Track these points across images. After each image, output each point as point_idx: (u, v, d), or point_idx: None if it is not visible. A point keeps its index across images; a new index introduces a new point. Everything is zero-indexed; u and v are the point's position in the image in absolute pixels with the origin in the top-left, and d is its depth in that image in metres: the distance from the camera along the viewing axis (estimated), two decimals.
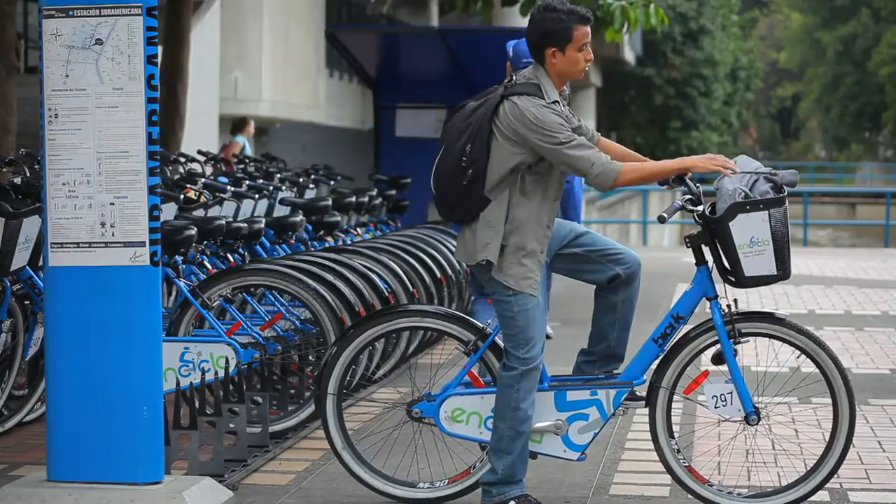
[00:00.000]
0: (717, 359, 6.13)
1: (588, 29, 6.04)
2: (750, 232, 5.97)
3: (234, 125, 19.51)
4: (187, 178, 10.49)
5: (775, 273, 6.03)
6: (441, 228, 11.37)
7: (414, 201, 13.38)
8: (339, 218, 10.64)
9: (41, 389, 7.68)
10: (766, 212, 5.96)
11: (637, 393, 6.22)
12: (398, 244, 9.91)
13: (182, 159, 12.16)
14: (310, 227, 10.36)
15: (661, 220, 6.12)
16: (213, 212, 9.75)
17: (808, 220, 26.98)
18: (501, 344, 6.18)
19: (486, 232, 6.02)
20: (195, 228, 7.96)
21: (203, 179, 10.43)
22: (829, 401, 6.13)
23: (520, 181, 6.02)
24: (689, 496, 6.23)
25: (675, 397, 6.20)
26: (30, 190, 7.97)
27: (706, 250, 6.12)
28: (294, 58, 24.82)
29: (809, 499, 6.23)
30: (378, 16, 31.55)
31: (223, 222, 8.49)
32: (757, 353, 8.49)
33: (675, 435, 6.24)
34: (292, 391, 7.90)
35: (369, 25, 28.54)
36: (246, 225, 8.85)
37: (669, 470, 6.20)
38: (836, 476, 6.65)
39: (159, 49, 6.17)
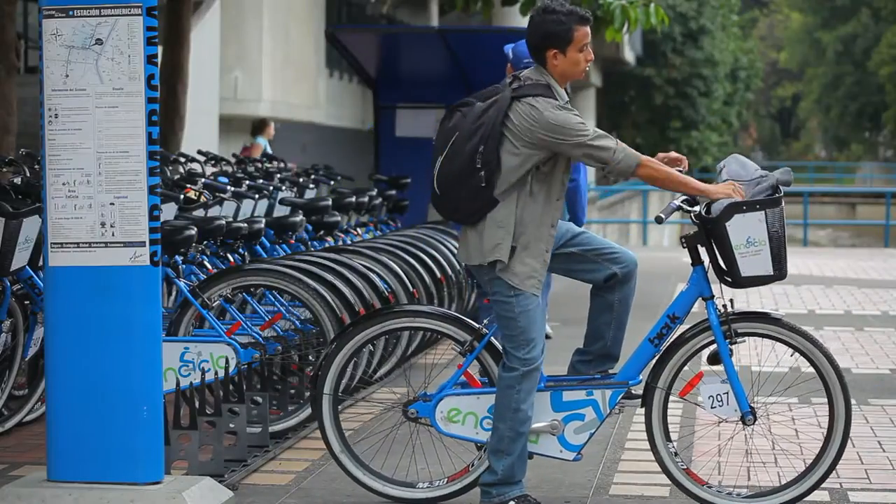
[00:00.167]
0: (713, 359, 6.13)
1: (588, 29, 6.05)
2: (746, 232, 5.98)
3: (254, 127, 19.52)
4: (187, 178, 10.49)
5: (771, 273, 6.03)
6: (441, 228, 11.37)
7: (414, 201, 13.38)
8: (339, 218, 10.64)
9: (41, 389, 7.68)
10: (763, 212, 5.97)
11: (633, 391, 6.22)
12: (398, 244, 9.90)
13: (182, 159, 12.16)
14: (310, 227, 10.35)
15: (659, 220, 6.13)
16: (213, 212, 9.74)
17: (808, 220, 26.98)
18: (497, 344, 6.18)
19: (497, 233, 6.01)
20: (195, 228, 7.96)
21: (203, 179, 10.43)
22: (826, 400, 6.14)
23: (528, 181, 6.02)
24: (689, 498, 6.24)
25: (674, 399, 6.20)
26: (30, 190, 7.97)
27: (702, 250, 6.12)
28: (294, 58, 24.82)
29: (810, 498, 6.23)
30: (378, 16, 31.55)
31: (223, 222, 8.49)
32: (758, 353, 8.49)
33: (673, 438, 6.24)
34: (292, 391, 7.90)
35: (369, 25, 28.54)
36: (246, 225, 8.85)
37: (667, 473, 6.20)
38: (836, 476, 6.67)
39: (159, 49, 6.17)
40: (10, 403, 7.83)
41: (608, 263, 6.23)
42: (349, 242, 10.46)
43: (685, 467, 6.20)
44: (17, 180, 8.14)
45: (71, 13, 5.99)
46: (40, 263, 7.36)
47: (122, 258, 6.03)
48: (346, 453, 6.38)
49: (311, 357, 7.84)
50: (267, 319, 7.89)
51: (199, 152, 12.95)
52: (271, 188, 11.12)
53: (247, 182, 11.04)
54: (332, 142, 27.11)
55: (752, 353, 7.72)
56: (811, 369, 6.17)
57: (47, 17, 6.01)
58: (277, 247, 9.69)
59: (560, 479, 6.79)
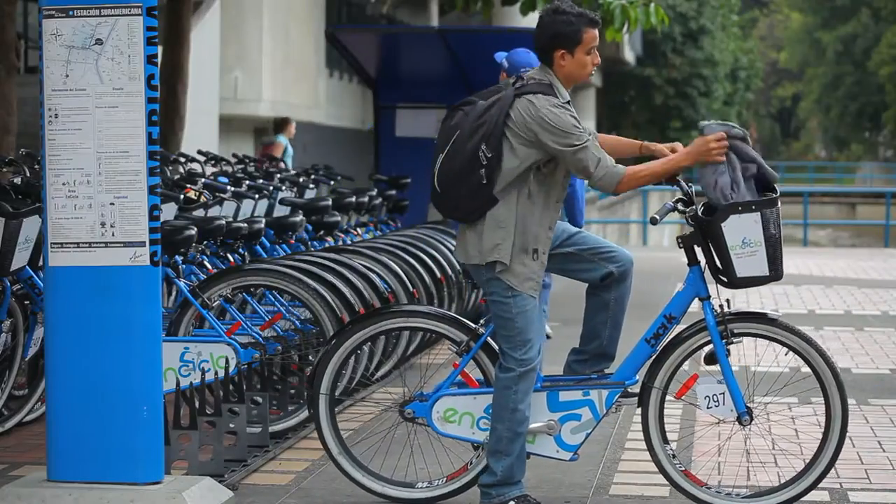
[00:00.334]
0: (710, 359, 6.13)
1: (596, 32, 6.06)
2: (742, 233, 5.98)
3: (275, 125, 19.53)
4: (187, 178, 10.49)
5: (767, 274, 6.03)
6: (441, 228, 11.37)
7: (414, 201, 13.38)
8: (339, 218, 10.64)
9: (41, 389, 7.68)
10: (759, 213, 5.97)
11: (630, 390, 6.22)
12: (398, 244, 9.90)
13: (182, 159, 12.17)
14: (310, 227, 10.36)
15: (653, 221, 6.13)
16: (213, 212, 9.75)
17: (808, 220, 26.98)
18: (494, 344, 6.18)
19: (497, 233, 6.01)
20: (195, 228, 7.96)
21: (203, 179, 10.43)
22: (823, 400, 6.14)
23: (528, 182, 6.02)
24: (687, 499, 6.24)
25: (673, 400, 6.20)
26: (30, 190, 7.97)
27: (699, 251, 6.12)
28: (294, 58, 24.83)
29: (810, 498, 6.23)
30: (378, 16, 31.56)
31: (223, 222, 8.49)
32: (758, 354, 8.49)
33: (672, 439, 6.24)
34: (292, 391, 7.90)
35: (369, 25, 28.54)
36: (246, 225, 8.85)
37: (665, 474, 6.19)
38: (836, 476, 6.68)
39: (159, 49, 6.17)
40: (10, 403, 7.83)
41: (604, 262, 6.24)
42: (349, 242, 10.46)
43: (683, 469, 6.19)
44: (17, 180, 8.14)
45: (71, 13, 5.99)
46: (40, 263, 7.37)
47: (122, 258, 6.02)
48: (344, 455, 6.38)
49: (311, 357, 7.84)
50: (267, 319, 7.89)
51: (199, 152, 12.96)
52: (271, 188, 11.12)
53: (247, 182, 11.04)
54: (332, 142, 27.11)
55: (751, 354, 7.72)
56: (808, 369, 6.17)
57: (47, 17, 6.01)
58: (277, 247, 9.69)
59: (560, 479, 6.79)
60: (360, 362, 7.95)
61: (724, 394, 6.09)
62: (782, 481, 6.37)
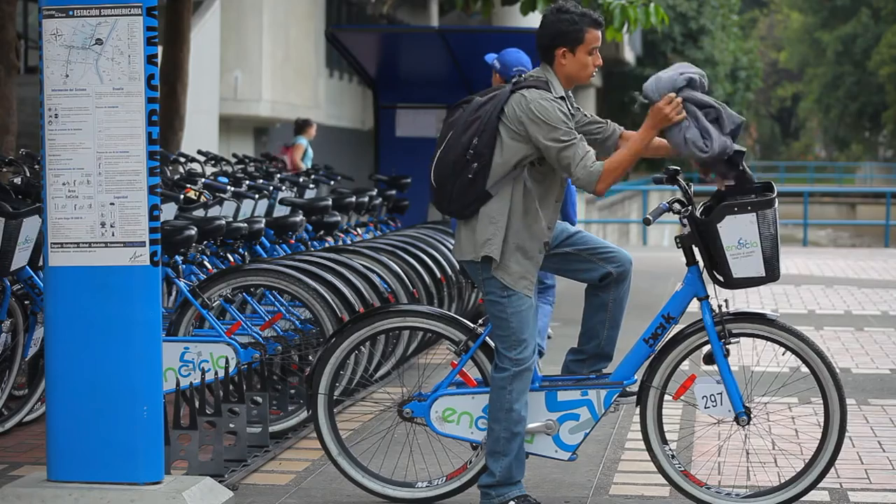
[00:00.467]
0: (709, 359, 6.13)
1: (599, 34, 6.07)
2: (738, 233, 5.98)
3: (297, 127, 19.52)
4: (187, 178, 10.49)
5: (763, 275, 6.03)
6: (441, 228, 11.37)
7: (414, 201, 13.38)
8: (339, 218, 10.65)
9: (41, 389, 7.68)
10: (755, 213, 5.96)
11: (628, 390, 6.22)
12: (398, 244, 9.91)
13: (182, 159, 12.17)
14: (310, 227, 10.36)
15: (647, 222, 6.15)
16: (213, 212, 9.75)
17: (808, 220, 26.99)
18: (492, 344, 6.18)
19: (488, 228, 6.02)
20: (195, 228, 7.97)
21: (203, 179, 10.44)
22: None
23: (523, 179, 6.02)
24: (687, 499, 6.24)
25: (672, 400, 6.20)
26: (30, 190, 7.97)
27: (697, 250, 6.12)
28: (294, 58, 24.83)
29: (810, 498, 6.23)
30: (378, 16, 31.56)
31: (223, 222, 8.50)
32: (757, 354, 8.50)
33: (671, 439, 6.23)
34: (292, 391, 7.90)
35: (369, 25, 28.55)
36: (246, 225, 8.85)
37: (664, 474, 6.19)
38: (836, 476, 6.68)
39: (159, 49, 6.17)
40: (10, 403, 7.83)
41: (603, 263, 6.24)
42: (349, 242, 10.46)
43: (682, 469, 6.19)
44: (17, 180, 8.14)
45: (71, 13, 5.99)
46: (40, 263, 7.37)
47: (122, 258, 6.03)
48: (343, 455, 6.38)
49: (310, 357, 7.84)
50: (267, 319, 7.89)
51: (199, 152, 12.97)
52: (271, 188, 11.12)
53: (247, 182, 11.04)
54: (332, 142, 27.13)
55: (751, 354, 7.72)
56: (807, 369, 6.17)
57: (47, 17, 6.01)
58: (277, 247, 9.69)
59: (560, 479, 6.79)
60: (359, 362, 7.95)
61: (721, 394, 6.09)
62: (782, 481, 6.37)
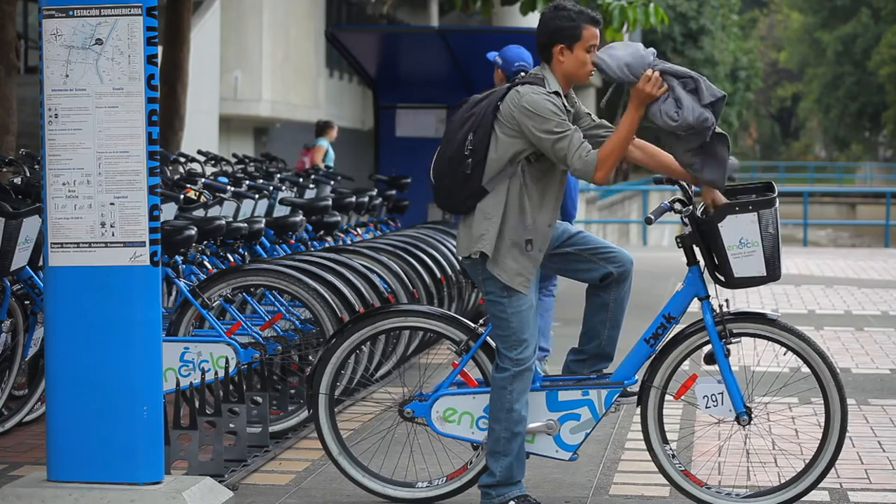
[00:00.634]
0: (710, 359, 6.13)
1: (597, 31, 6.07)
2: (739, 233, 5.98)
3: (318, 128, 19.54)
4: (187, 178, 10.49)
5: (764, 274, 6.03)
6: (441, 228, 11.37)
7: (414, 201, 13.38)
8: (339, 218, 10.65)
9: (41, 389, 7.68)
10: (756, 213, 5.97)
11: (629, 390, 6.22)
12: (398, 244, 9.91)
13: (182, 159, 12.17)
14: (310, 227, 10.36)
15: (648, 221, 6.15)
16: (213, 212, 9.75)
17: (808, 220, 26.99)
18: (493, 344, 6.18)
19: (482, 224, 6.02)
20: (195, 228, 7.97)
21: (203, 179, 10.44)
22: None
23: (521, 176, 6.02)
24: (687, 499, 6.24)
25: (673, 400, 6.20)
26: (30, 190, 7.97)
27: (697, 250, 6.12)
28: (294, 58, 24.83)
29: (810, 498, 6.23)
30: (378, 16, 31.57)
31: (223, 222, 8.50)
32: (758, 353, 8.49)
33: (672, 439, 6.23)
34: (292, 391, 7.90)
35: (369, 25, 28.56)
36: (246, 225, 8.85)
37: (665, 474, 6.19)
38: (836, 476, 6.67)
39: (159, 49, 6.17)
40: (10, 403, 7.83)
41: (604, 263, 6.24)
42: (349, 242, 10.46)
43: (683, 469, 6.19)
44: (17, 180, 8.14)
45: (71, 13, 5.99)
46: (40, 263, 7.37)
47: (122, 258, 6.03)
48: (343, 455, 6.38)
49: (311, 357, 7.84)
50: (267, 319, 7.89)
51: (199, 152, 12.97)
52: (271, 188, 11.12)
53: (247, 182, 11.04)
54: (333, 142, 27.10)
55: (752, 354, 7.72)
56: (808, 369, 6.17)
57: (47, 17, 6.01)
58: (277, 247, 9.69)
59: (560, 479, 6.79)
60: (359, 362, 7.95)
61: (722, 394, 6.09)
62: (782, 481, 6.37)
